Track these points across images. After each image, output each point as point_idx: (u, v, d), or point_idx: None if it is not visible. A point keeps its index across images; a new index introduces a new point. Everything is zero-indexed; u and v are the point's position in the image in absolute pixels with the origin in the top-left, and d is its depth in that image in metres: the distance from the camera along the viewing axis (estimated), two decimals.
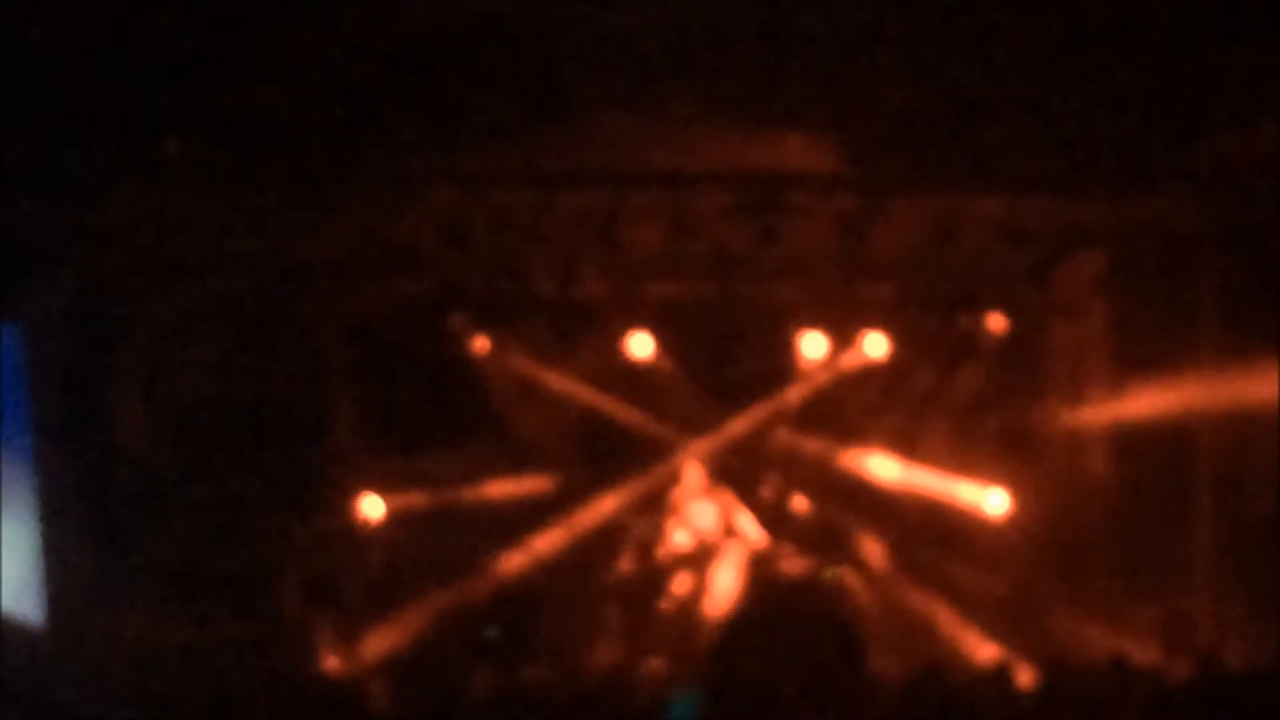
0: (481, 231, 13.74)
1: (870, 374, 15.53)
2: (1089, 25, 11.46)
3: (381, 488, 14.73)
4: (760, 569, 14.63)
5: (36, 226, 12.56)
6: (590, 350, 15.38)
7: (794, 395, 15.62)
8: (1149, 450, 14.50)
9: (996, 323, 15.15)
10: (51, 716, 11.22)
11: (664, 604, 14.52)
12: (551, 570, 14.97)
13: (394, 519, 14.79)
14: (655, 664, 13.48)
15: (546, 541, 15.00)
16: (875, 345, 15.41)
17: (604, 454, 15.43)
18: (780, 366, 15.60)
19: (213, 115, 12.00)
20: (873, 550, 15.34)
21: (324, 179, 12.92)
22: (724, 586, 14.52)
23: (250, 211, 13.34)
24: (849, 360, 15.52)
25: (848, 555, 15.14)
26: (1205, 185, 13.20)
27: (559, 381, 15.38)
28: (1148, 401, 14.54)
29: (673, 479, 15.22)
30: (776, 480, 15.56)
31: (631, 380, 15.40)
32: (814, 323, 15.29)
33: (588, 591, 14.87)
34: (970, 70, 11.85)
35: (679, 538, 14.87)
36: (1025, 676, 11.14)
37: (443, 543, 14.87)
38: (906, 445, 15.43)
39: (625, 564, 14.83)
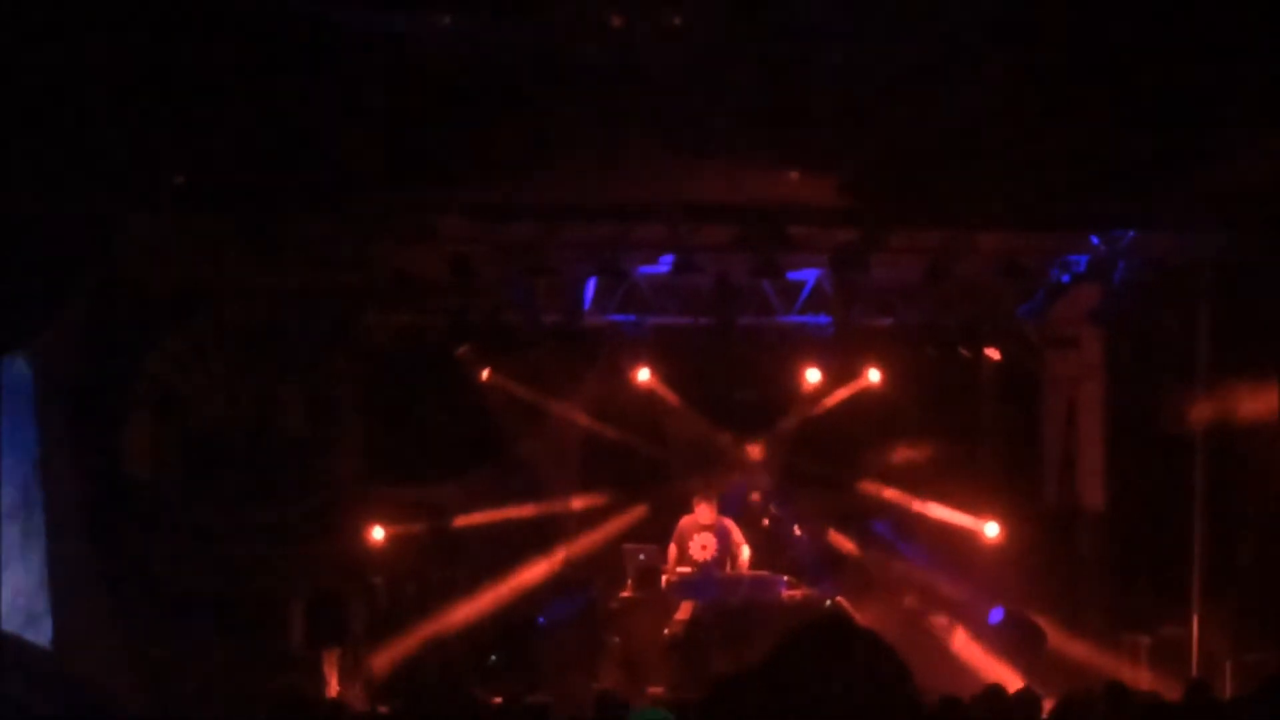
0: (487, 263, 13.89)
1: (869, 404, 15.62)
2: (1086, 62, 11.56)
3: (387, 514, 14.81)
4: (761, 598, 14.65)
5: (47, 258, 12.67)
6: (594, 380, 15.46)
7: (794, 425, 15.73)
8: (1143, 480, 14.64)
9: (993, 354, 15.26)
10: None
11: (666, 631, 14.55)
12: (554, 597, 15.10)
13: (399, 545, 14.87)
14: (656, 691, 13.56)
15: (549, 568, 15.13)
16: (874, 376, 15.51)
17: (607, 482, 15.54)
18: (781, 396, 15.71)
19: (222, 148, 12.11)
20: (873, 578, 15.39)
21: (332, 211, 13.07)
22: (727, 612, 14.56)
23: (258, 242, 13.49)
24: (848, 391, 15.62)
25: (847, 582, 15.19)
26: (1200, 217, 13.33)
27: (563, 410, 15.46)
28: (1142, 432, 14.68)
29: (675, 507, 15.30)
30: (776, 509, 15.62)
31: (634, 409, 15.49)
32: (814, 354, 15.38)
33: (591, 618, 14.96)
34: (968, 106, 11.95)
35: (681, 566, 14.93)
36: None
37: (447, 569, 14.95)
38: (904, 474, 15.52)
39: (627, 591, 14.84)
